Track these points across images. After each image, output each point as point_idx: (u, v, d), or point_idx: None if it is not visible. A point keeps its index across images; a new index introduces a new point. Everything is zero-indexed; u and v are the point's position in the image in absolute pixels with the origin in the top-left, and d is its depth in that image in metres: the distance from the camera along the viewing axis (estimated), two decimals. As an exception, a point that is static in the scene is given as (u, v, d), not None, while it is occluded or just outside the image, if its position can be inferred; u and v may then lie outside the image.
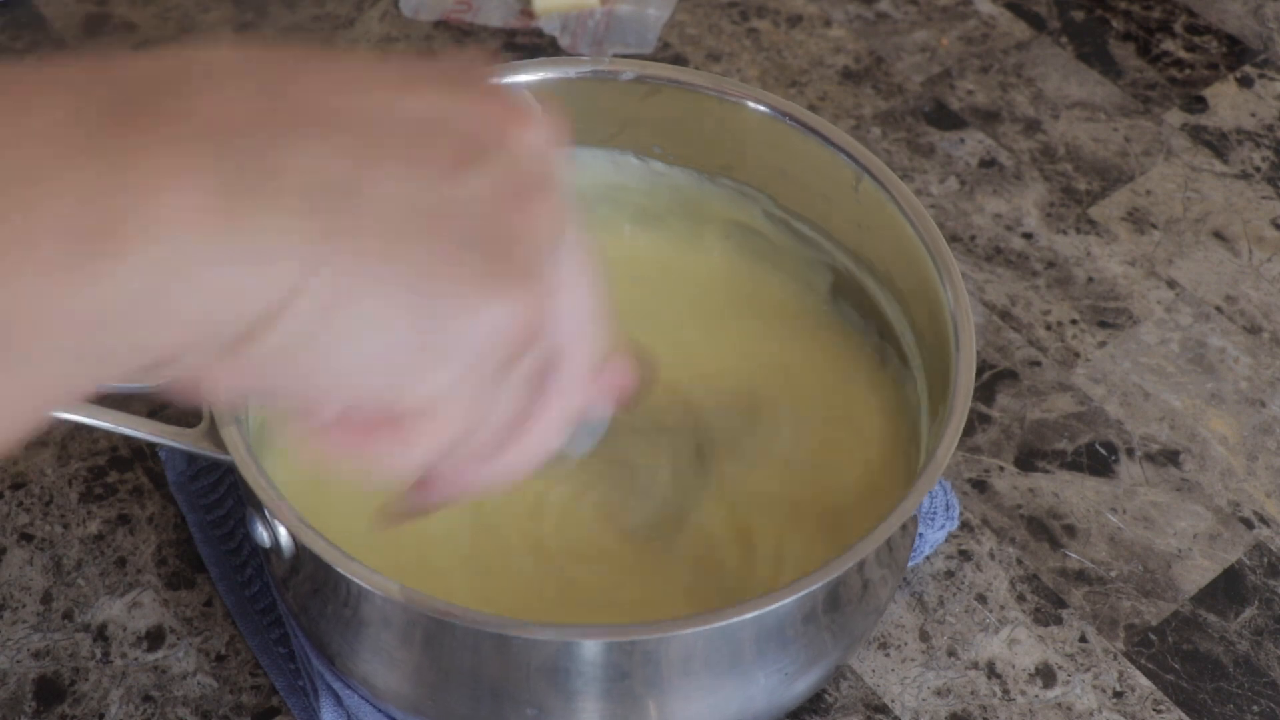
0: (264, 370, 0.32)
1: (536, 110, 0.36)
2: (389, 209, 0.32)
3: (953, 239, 0.75)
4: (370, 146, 0.32)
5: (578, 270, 0.37)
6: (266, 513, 0.49)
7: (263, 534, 0.50)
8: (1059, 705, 0.60)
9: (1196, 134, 0.81)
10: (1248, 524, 0.65)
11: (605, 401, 0.43)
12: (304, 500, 0.58)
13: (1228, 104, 0.83)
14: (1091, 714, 0.60)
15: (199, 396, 0.33)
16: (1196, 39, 0.86)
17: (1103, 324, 0.72)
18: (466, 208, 0.33)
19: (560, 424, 0.38)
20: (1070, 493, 0.66)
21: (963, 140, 0.80)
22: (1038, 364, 0.71)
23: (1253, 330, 0.72)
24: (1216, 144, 0.81)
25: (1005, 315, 0.73)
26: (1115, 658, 0.61)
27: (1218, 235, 0.76)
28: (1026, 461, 0.67)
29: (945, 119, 0.81)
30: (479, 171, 0.33)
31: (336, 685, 0.56)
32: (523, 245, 0.34)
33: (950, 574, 0.63)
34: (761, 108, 0.61)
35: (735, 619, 0.47)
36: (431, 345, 0.33)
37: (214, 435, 0.51)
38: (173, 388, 0.33)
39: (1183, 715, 0.60)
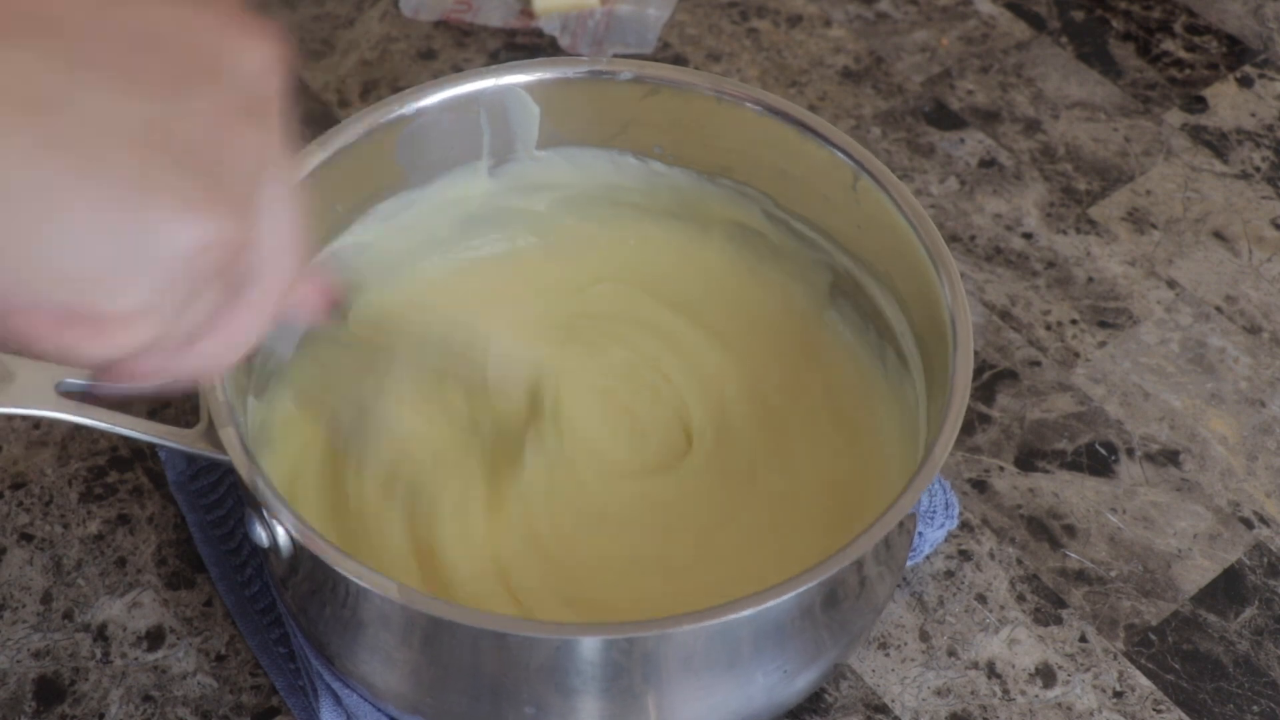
0: None
1: (260, 29, 0.37)
2: (101, 123, 0.32)
3: (952, 239, 0.75)
4: (84, 58, 0.32)
5: (281, 198, 0.38)
6: (264, 512, 0.50)
7: (261, 534, 0.50)
8: (1059, 705, 0.60)
9: (1196, 134, 0.81)
10: (1248, 524, 0.65)
11: (302, 310, 0.46)
12: (301, 499, 0.58)
13: (1228, 104, 0.83)
14: (1091, 714, 0.60)
15: None
16: (1196, 39, 0.86)
17: (1103, 324, 0.72)
18: (180, 128, 0.34)
19: (251, 330, 0.40)
20: (1070, 493, 0.66)
21: (963, 140, 0.80)
22: (1038, 364, 0.71)
23: (1253, 330, 0.72)
24: (1216, 144, 0.81)
25: (1005, 315, 0.73)
26: (1115, 658, 0.61)
27: (1218, 235, 0.76)
28: (1026, 461, 0.67)
29: (945, 119, 0.81)
30: (196, 93, 0.34)
31: (336, 685, 0.56)
32: (232, 170, 0.35)
33: (950, 574, 0.63)
34: (761, 108, 0.61)
35: (733, 615, 0.47)
36: (133, 260, 0.34)
37: (212, 435, 0.51)
38: None
39: (1183, 715, 0.60)
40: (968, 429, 0.68)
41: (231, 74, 0.35)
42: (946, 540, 0.64)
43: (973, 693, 0.60)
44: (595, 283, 0.67)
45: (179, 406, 0.68)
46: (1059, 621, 0.62)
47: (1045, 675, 0.61)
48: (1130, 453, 0.68)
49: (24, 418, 0.67)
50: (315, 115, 0.81)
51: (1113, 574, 0.64)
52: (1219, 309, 0.73)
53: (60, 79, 0.32)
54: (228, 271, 0.36)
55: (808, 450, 0.61)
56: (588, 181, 0.66)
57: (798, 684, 0.54)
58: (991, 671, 0.61)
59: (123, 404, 0.65)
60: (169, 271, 0.34)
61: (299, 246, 0.39)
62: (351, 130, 0.59)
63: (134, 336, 0.36)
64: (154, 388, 0.41)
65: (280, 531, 0.50)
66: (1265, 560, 0.64)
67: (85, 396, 0.52)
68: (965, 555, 0.64)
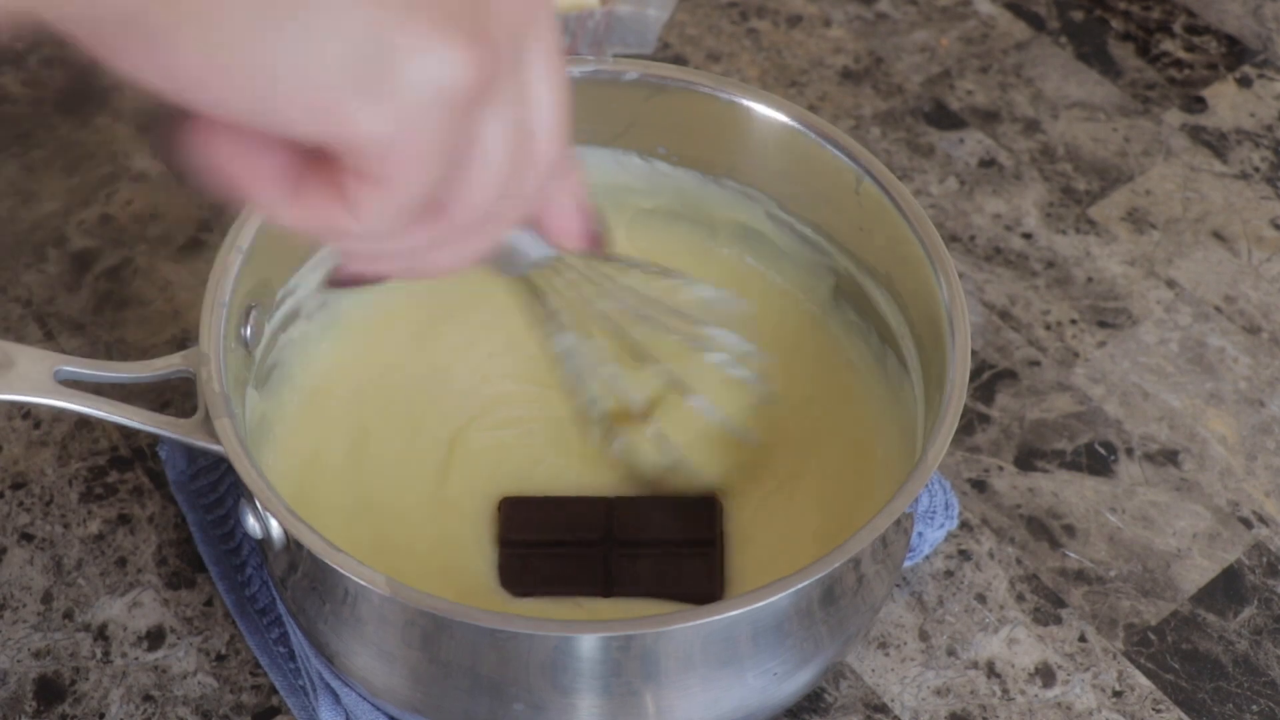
0: (170, 44, 0.29)
1: None
2: None
3: (952, 239, 0.76)
4: None
5: (549, 59, 0.34)
6: (258, 504, 0.49)
7: (254, 525, 0.50)
8: (1058, 705, 0.60)
9: (1196, 134, 0.81)
10: (1247, 524, 0.65)
11: (562, 234, 0.42)
12: (297, 493, 0.58)
13: (1227, 104, 0.83)
14: (1091, 713, 0.60)
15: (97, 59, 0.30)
16: (1196, 39, 0.86)
17: (1102, 324, 0.72)
18: None
19: (517, 207, 0.36)
20: (1069, 492, 0.66)
21: (962, 140, 0.80)
22: (1037, 364, 0.71)
23: (1252, 330, 0.72)
24: (1216, 144, 0.81)
25: (1005, 315, 0.73)
26: (1114, 657, 0.61)
27: (1217, 235, 0.77)
28: (1026, 461, 0.67)
29: (945, 119, 0.82)
30: None
31: (335, 684, 0.56)
32: (493, 11, 0.32)
33: (950, 573, 0.63)
34: (764, 109, 0.61)
35: (731, 613, 0.47)
36: (372, 76, 0.30)
37: (208, 426, 0.51)
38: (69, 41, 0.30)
39: (1182, 715, 0.60)
40: (967, 429, 0.68)
41: None
42: (946, 540, 0.64)
43: (972, 692, 0.60)
44: (599, 282, 0.67)
45: (179, 406, 0.68)
46: (1058, 621, 0.62)
47: (1045, 675, 0.61)
48: (1130, 452, 0.68)
49: (24, 414, 0.67)
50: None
51: (1112, 574, 0.64)
52: (1218, 309, 0.73)
53: None
54: (492, 123, 0.33)
55: (808, 452, 0.61)
56: (592, 181, 0.66)
57: (796, 681, 0.54)
58: (991, 671, 0.61)
59: (123, 394, 0.65)
60: (410, 98, 0.31)
61: (566, 126, 0.36)
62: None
63: (384, 198, 0.32)
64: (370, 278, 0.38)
65: (273, 523, 0.50)
66: (1264, 560, 0.64)
67: (84, 386, 0.52)
68: (965, 555, 0.64)
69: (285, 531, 0.49)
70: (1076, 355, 0.71)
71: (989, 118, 0.82)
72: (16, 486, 0.65)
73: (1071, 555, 0.64)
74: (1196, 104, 0.83)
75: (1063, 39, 0.86)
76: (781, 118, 0.61)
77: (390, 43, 0.30)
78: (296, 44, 0.29)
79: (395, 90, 0.30)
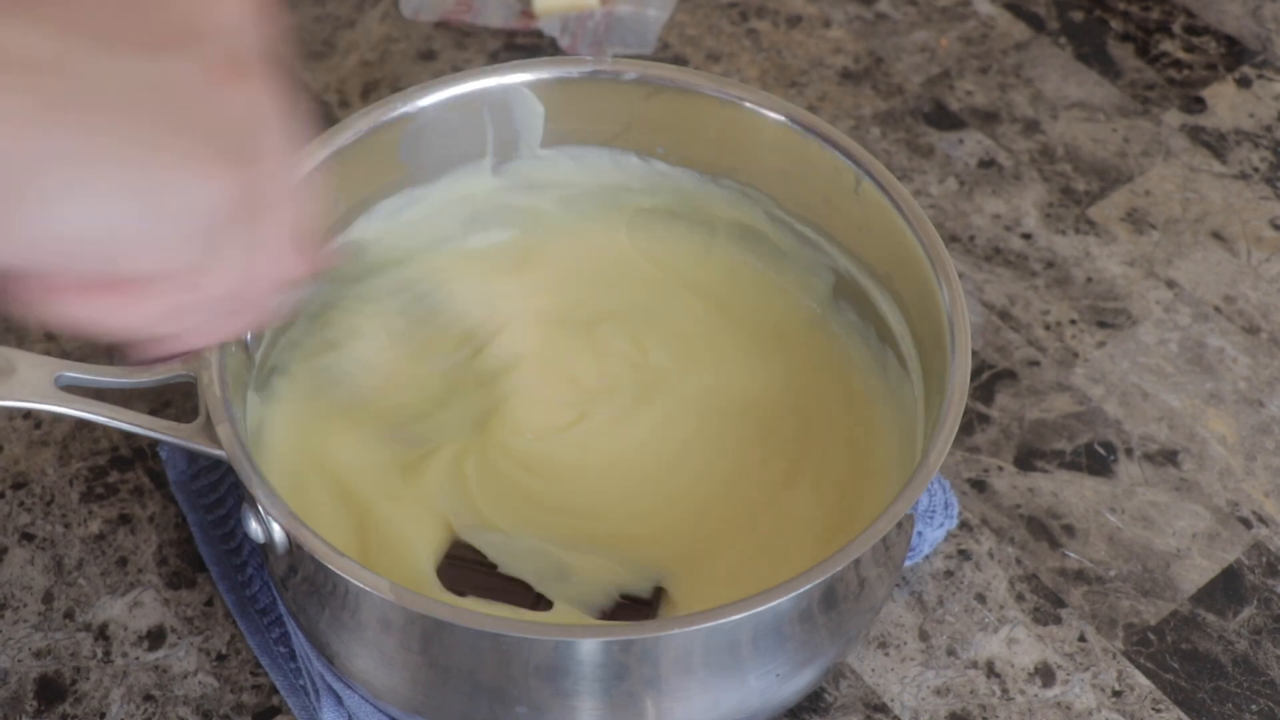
0: None
1: None
2: (98, 83, 0.33)
3: (952, 239, 0.76)
4: (73, 23, 0.33)
5: (283, 148, 0.38)
6: (260, 508, 0.50)
7: (256, 529, 0.50)
8: (1058, 704, 0.60)
9: (1195, 134, 0.81)
10: (1246, 524, 0.66)
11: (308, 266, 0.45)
12: (297, 493, 0.58)
13: (1226, 104, 0.83)
14: (1090, 713, 0.60)
15: None
16: (1195, 39, 0.86)
17: (1102, 324, 0.72)
18: (171, 87, 0.34)
19: (272, 284, 0.41)
20: (1069, 492, 0.66)
21: (962, 141, 0.80)
22: (1037, 364, 0.71)
23: (1251, 330, 0.72)
24: (1215, 144, 0.81)
25: (1004, 315, 0.73)
26: (1114, 657, 0.61)
27: (1216, 235, 0.77)
28: (1025, 461, 0.67)
29: (944, 119, 0.82)
30: (181, 52, 0.35)
31: (337, 685, 0.56)
32: (226, 125, 0.36)
33: (949, 573, 0.64)
34: (764, 110, 0.61)
35: (732, 617, 0.47)
36: (141, 220, 0.34)
37: (209, 430, 0.51)
38: None
39: (1181, 714, 0.60)
40: (967, 429, 0.68)
41: (212, 31, 0.36)
42: (946, 540, 0.64)
43: (972, 692, 0.60)
44: (598, 280, 0.67)
45: (179, 406, 0.68)
46: (1058, 621, 0.62)
47: (1044, 674, 0.61)
48: (1129, 452, 0.68)
49: (25, 416, 0.67)
50: (315, 116, 0.81)
51: (1111, 573, 0.64)
52: (1218, 309, 0.73)
53: (52, 43, 0.33)
54: (238, 226, 0.37)
55: (807, 451, 0.61)
56: (591, 180, 0.66)
57: (797, 682, 0.54)
58: (991, 671, 0.61)
59: (123, 397, 0.65)
60: (180, 230, 0.35)
61: (299, 197, 0.40)
62: (356, 126, 0.59)
63: (158, 302, 0.37)
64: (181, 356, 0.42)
65: (275, 527, 0.50)
66: (1264, 560, 0.64)
67: (85, 391, 0.52)
68: (965, 555, 0.64)
69: (287, 535, 0.49)
70: (1076, 355, 0.71)
71: (988, 118, 0.82)
72: (17, 486, 0.65)
73: (1071, 555, 0.64)
74: (1196, 104, 0.83)
75: (1062, 39, 0.86)
76: (781, 118, 0.61)
77: (146, 181, 0.34)
78: (65, 204, 0.33)
79: (157, 222, 0.35)
